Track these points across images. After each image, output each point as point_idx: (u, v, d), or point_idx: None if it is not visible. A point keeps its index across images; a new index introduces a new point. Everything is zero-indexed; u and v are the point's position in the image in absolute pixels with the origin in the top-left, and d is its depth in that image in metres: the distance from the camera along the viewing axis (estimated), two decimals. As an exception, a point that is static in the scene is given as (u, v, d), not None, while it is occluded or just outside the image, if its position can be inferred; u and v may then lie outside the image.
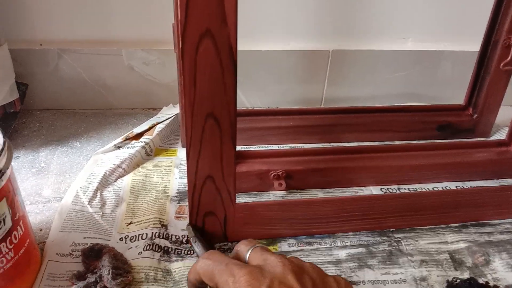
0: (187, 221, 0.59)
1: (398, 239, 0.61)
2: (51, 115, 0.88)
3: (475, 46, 0.80)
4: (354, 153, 0.73)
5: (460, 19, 0.91)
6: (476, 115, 0.83)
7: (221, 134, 0.51)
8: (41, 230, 0.61)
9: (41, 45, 0.84)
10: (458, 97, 0.86)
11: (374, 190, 0.71)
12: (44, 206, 0.65)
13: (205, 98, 0.49)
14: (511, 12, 0.73)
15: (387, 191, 0.71)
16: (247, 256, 0.40)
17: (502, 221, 0.66)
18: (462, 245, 0.60)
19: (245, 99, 0.93)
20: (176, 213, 0.64)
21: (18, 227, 0.48)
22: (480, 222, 0.65)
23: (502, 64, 0.77)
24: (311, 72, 0.92)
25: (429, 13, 0.90)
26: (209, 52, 0.46)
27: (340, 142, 0.83)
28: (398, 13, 0.89)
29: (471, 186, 0.73)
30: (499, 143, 0.76)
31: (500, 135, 0.86)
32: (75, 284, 0.51)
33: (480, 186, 0.73)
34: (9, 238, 0.46)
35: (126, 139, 0.77)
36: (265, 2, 0.86)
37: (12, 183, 0.47)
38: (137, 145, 0.75)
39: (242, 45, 0.86)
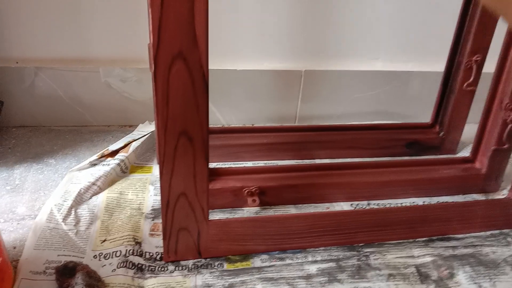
0: (160, 238, 0.60)
1: (367, 253, 0.63)
2: (27, 132, 0.88)
3: (441, 66, 0.84)
4: (325, 169, 0.75)
5: (426, 42, 0.95)
6: (442, 133, 0.87)
7: (194, 152, 0.53)
8: (14, 248, 0.61)
9: (17, 63, 0.85)
10: (427, 115, 0.90)
11: (345, 206, 0.73)
12: (18, 223, 0.65)
13: (178, 117, 0.50)
14: (471, 37, 0.77)
15: (357, 207, 0.73)
16: None
17: (467, 235, 0.68)
18: (428, 259, 0.62)
19: (221, 117, 0.95)
20: (150, 230, 0.64)
21: (-9, 245, 0.48)
22: (446, 236, 0.68)
23: (465, 85, 0.80)
24: (285, 90, 0.94)
25: (397, 35, 0.94)
26: (181, 73, 0.48)
27: (313, 159, 0.85)
28: (368, 35, 0.93)
29: (437, 202, 0.75)
30: (464, 160, 0.79)
31: (466, 152, 0.89)
32: (48, 302, 0.52)
33: (446, 202, 0.75)
34: (-18, 256, 0.47)
35: (102, 157, 0.78)
36: (240, 24, 0.88)
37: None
38: (112, 162, 0.76)
39: (218, 64, 0.89)
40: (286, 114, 0.97)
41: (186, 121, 0.51)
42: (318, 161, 0.85)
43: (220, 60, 0.89)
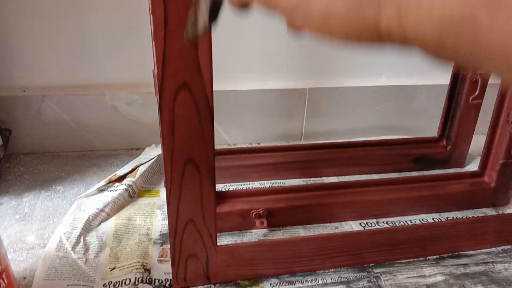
0: (169, 264, 0.60)
1: (378, 274, 0.62)
2: (35, 159, 0.89)
3: (446, 80, 0.84)
4: (333, 189, 0.75)
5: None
6: (450, 146, 0.86)
7: (201, 179, 0.53)
8: (24, 278, 0.61)
9: (24, 91, 0.86)
10: (433, 129, 0.89)
11: (353, 225, 0.73)
12: (28, 253, 0.65)
13: (184, 145, 0.50)
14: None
15: (366, 225, 0.72)
16: None
17: (478, 251, 0.67)
18: (439, 278, 0.62)
19: (227, 137, 0.95)
20: (159, 257, 0.64)
21: (1, 280, 0.48)
22: (457, 253, 0.67)
23: (471, 98, 0.80)
24: (290, 109, 0.94)
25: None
26: (186, 102, 0.48)
27: (320, 177, 0.85)
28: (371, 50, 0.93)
29: (447, 218, 0.75)
30: (473, 174, 0.79)
31: (475, 165, 0.88)
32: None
33: (456, 218, 0.75)
34: (-8, 291, 0.47)
35: (109, 182, 0.78)
36: (244, 44, 0.89)
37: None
38: (120, 187, 0.76)
39: (223, 85, 0.89)
40: (292, 132, 0.97)
41: (192, 149, 0.51)
42: (325, 179, 0.84)
43: (225, 82, 0.90)
